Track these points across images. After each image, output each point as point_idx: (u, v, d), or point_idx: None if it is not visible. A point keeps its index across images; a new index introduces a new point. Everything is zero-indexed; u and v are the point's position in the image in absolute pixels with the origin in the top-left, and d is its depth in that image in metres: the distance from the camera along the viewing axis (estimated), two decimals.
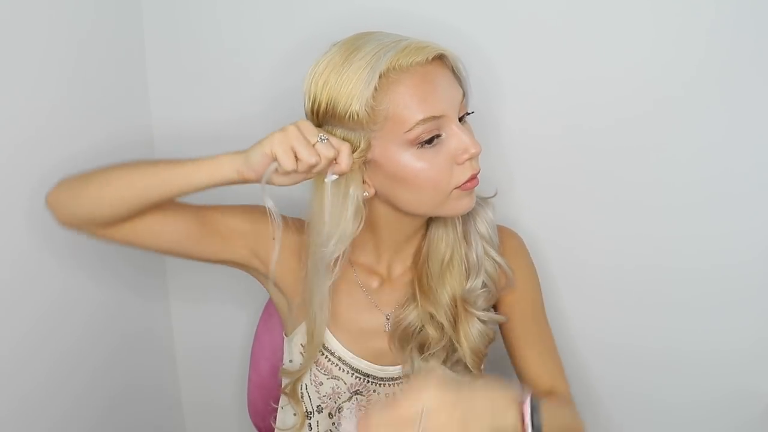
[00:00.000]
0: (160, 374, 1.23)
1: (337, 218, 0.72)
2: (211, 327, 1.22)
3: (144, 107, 1.08)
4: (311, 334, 0.80)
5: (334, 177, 0.69)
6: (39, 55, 0.86)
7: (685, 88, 0.86)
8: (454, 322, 0.80)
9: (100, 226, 0.73)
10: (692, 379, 0.98)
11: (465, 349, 0.80)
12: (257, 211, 0.79)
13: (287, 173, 0.67)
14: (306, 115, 0.73)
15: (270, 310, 1.00)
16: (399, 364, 0.82)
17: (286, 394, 0.86)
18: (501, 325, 0.85)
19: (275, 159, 0.66)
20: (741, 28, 0.82)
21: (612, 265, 0.97)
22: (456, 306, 0.80)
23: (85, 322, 1.00)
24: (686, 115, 0.87)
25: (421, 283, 0.80)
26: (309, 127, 0.67)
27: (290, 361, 0.86)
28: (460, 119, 0.72)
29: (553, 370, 0.82)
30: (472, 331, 0.80)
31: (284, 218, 0.81)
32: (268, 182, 0.68)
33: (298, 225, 0.81)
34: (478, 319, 0.80)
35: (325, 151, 0.66)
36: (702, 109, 0.86)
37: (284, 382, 0.86)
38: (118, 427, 1.10)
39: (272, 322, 0.99)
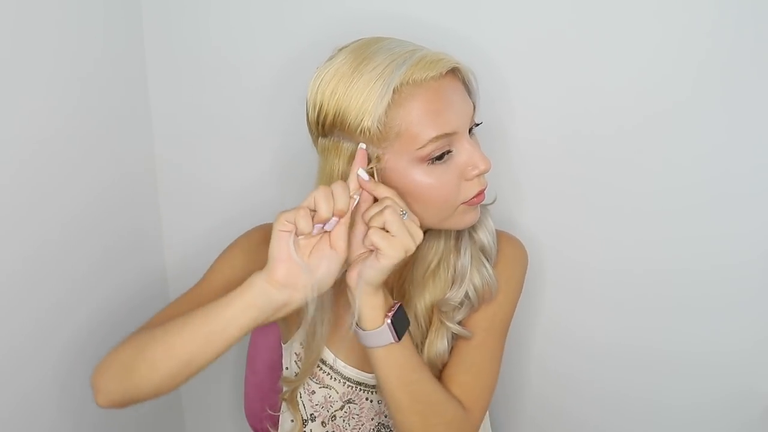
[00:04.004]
0: None
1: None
2: None
3: (145, 115, 1.08)
4: (310, 345, 0.79)
5: (365, 175, 0.66)
6: (43, 60, 0.86)
7: (686, 92, 0.86)
8: (426, 331, 0.78)
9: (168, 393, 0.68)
10: (692, 380, 0.98)
11: (425, 359, 0.78)
12: (239, 250, 0.79)
13: (313, 234, 0.62)
14: (309, 125, 0.71)
15: None
16: None
17: (285, 400, 0.85)
18: None
19: (293, 227, 0.61)
20: (741, 31, 0.82)
21: (612, 268, 0.97)
22: (432, 314, 0.78)
23: (86, 323, 1.00)
24: (687, 119, 0.87)
25: (400, 287, 0.79)
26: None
27: (286, 368, 0.85)
28: (469, 131, 0.70)
29: (469, 385, 0.77)
30: (437, 345, 0.78)
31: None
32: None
33: None
34: (449, 330, 0.78)
35: (351, 191, 0.63)
36: (703, 112, 0.86)
37: (283, 389, 0.85)
38: (118, 426, 1.10)
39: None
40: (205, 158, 1.10)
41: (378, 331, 0.67)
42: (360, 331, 0.68)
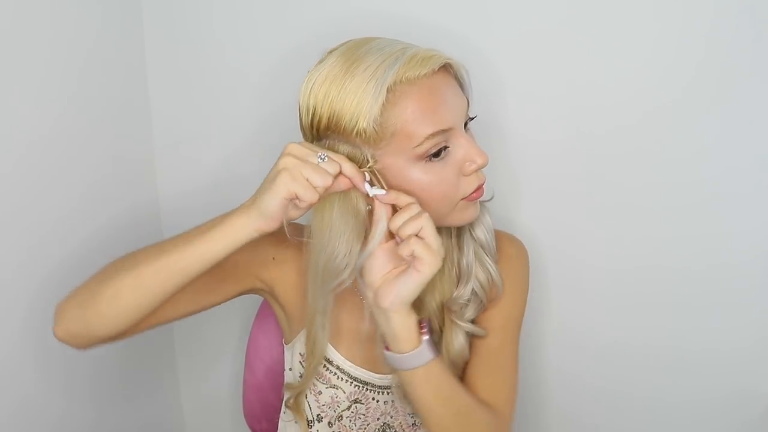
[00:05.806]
0: (160, 374, 1.23)
1: (343, 236, 0.69)
2: (210, 326, 1.22)
3: (144, 113, 1.08)
4: (312, 351, 0.78)
5: (381, 191, 0.65)
6: (44, 57, 0.86)
7: (685, 89, 0.86)
8: (440, 331, 0.78)
9: (125, 333, 0.68)
10: (692, 379, 0.98)
11: (445, 360, 0.78)
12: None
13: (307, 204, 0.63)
14: (302, 129, 0.71)
15: (264, 312, 0.99)
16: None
17: (289, 407, 0.84)
18: None
19: (295, 198, 0.62)
20: (740, 29, 0.82)
21: (612, 266, 0.97)
22: (443, 314, 0.78)
23: None
24: (686, 117, 0.87)
25: None
26: (305, 151, 0.63)
27: (290, 369, 0.85)
28: (464, 126, 0.70)
29: (495, 387, 0.77)
30: (454, 344, 0.78)
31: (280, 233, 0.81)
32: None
33: (292, 235, 0.80)
34: (463, 330, 0.78)
35: (330, 169, 0.62)
36: (701, 110, 0.86)
37: (286, 395, 0.84)
38: (117, 426, 1.10)
39: (267, 323, 0.98)
40: (205, 154, 1.10)
41: (417, 351, 0.66)
42: (396, 356, 0.67)
